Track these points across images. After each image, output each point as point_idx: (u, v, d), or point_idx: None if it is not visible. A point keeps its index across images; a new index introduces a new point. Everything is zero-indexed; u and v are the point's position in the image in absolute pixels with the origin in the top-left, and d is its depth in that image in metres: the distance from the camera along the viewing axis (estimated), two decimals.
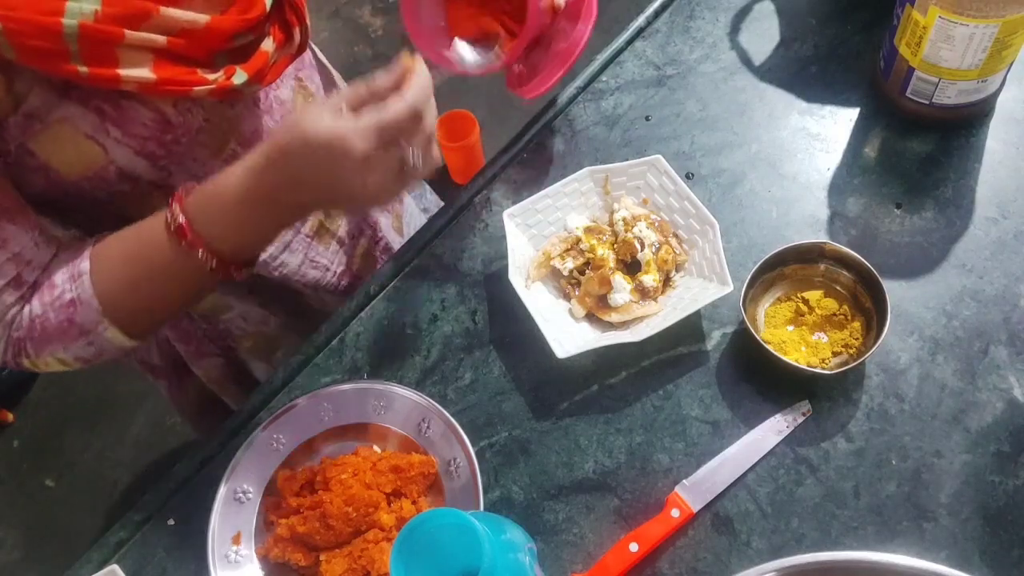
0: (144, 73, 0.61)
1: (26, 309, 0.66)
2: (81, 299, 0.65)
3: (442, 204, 1.03)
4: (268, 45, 0.69)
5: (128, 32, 0.59)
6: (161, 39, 0.61)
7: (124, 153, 0.66)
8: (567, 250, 0.79)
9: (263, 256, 0.79)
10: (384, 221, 0.97)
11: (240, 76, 0.66)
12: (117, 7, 0.58)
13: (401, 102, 0.58)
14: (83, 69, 0.59)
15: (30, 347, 0.66)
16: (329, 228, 0.88)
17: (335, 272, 0.90)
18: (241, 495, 0.72)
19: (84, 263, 0.65)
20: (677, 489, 0.68)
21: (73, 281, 0.65)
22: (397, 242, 0.98)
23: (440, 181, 1.51)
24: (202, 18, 0.63)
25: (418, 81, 0.60)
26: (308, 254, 0.86)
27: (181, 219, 0.62)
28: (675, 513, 0.66)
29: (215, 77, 0.65)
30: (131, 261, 0.65)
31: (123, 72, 0.60)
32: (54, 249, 0.67)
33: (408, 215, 1.04)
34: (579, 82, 0.93)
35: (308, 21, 0.74)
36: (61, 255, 0.67)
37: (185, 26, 0.62)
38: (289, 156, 0.59)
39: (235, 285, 0.85)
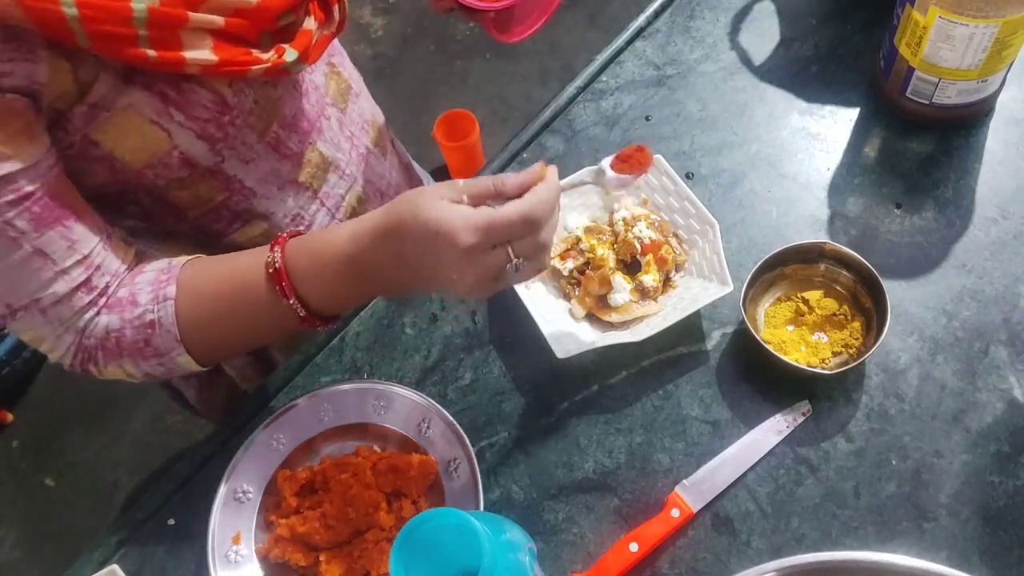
0: (206, 55, 0.62)
1: (103, 319, 0.66)
2: (162, 323, 0.65)
3: None
4: (311, 24, 0.70)
5: (191, 14, 0.60)
6: (219, 20, 0.62)
7: (186, 137, 0.67)
8: (567, 250, 0.79)
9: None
10: None
11: (291, 54, 0.67)
12: None
13: (519, 206, 0.56)
14: (151, 53, 0.59)
15: (101, 357, 0.66)
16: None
17: None
18: (241, 495, 0.72)
19: (171, 288, 0.65)
20: (677, 489, 0.68)
21: (157, 303, 0.65)
22: None
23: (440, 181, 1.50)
24: None
25: (544, 189, 0.58)
26: None
27: (279, 263, 0.62)
28: (675, 513, 0.66)
29: (268, 56, 0.66)
30: (220, 297, 0.66)
31: (188, 55, 0.61)
32: (123, 255, 0.67)
33: None
34: (579, 82, 0.93)
35: (345, 3, 0.76)
36: (147, 270, 0.67)
37: (239, 5, 0.63)
38: (399, 235, 0.58)
39: None
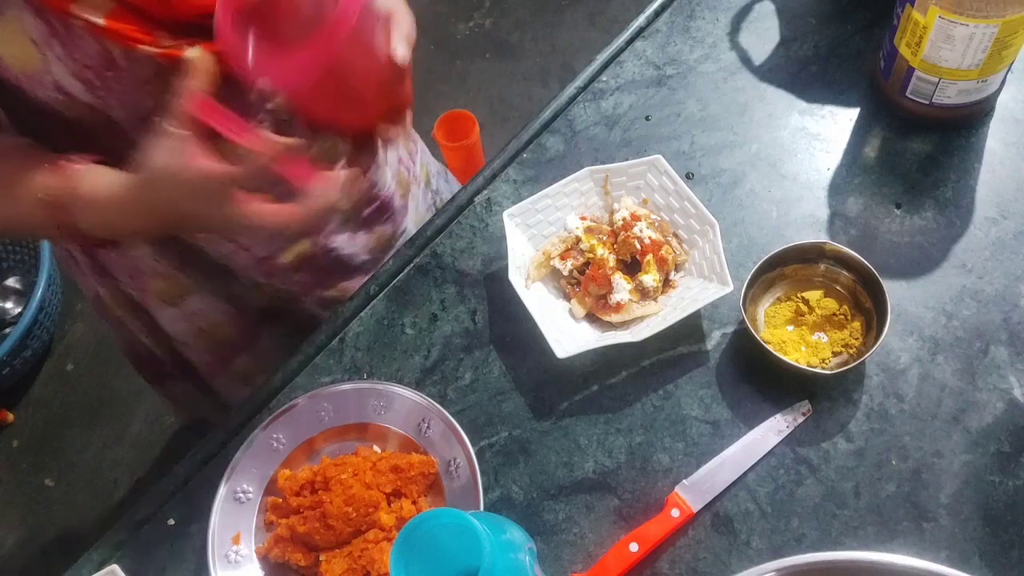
0: (95, 18, 0.61)
1: None
2: None
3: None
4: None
5: None
6: None
7: (60, 69, 0.66)
8: (567, 250, 0.79)
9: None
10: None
11: (193, 52, 0.64)
12: None
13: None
14: None
15: None
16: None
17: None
18: (241, 495, 0.72)
19: None
20: (677, 489, 0.68)
21: None
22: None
23: None
24: None
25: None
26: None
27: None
28: (675, 513, 0.66)
29: (167, 44, 0.64)
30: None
31: (74, 8, 0.60)
32: None
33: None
34: (579, 82, 0.93)
35: None
36: None
37: None
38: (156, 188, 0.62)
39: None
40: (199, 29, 0.66)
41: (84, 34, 0.64)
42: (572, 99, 0.92)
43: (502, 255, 0.80)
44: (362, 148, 0.86)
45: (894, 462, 0.68)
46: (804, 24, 0.93)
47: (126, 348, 1.06)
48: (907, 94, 0.81)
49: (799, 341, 0.73)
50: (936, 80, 0.78)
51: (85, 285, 0.97)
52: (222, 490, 0.71)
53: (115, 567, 0.71)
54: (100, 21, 0.61)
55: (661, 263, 0.76)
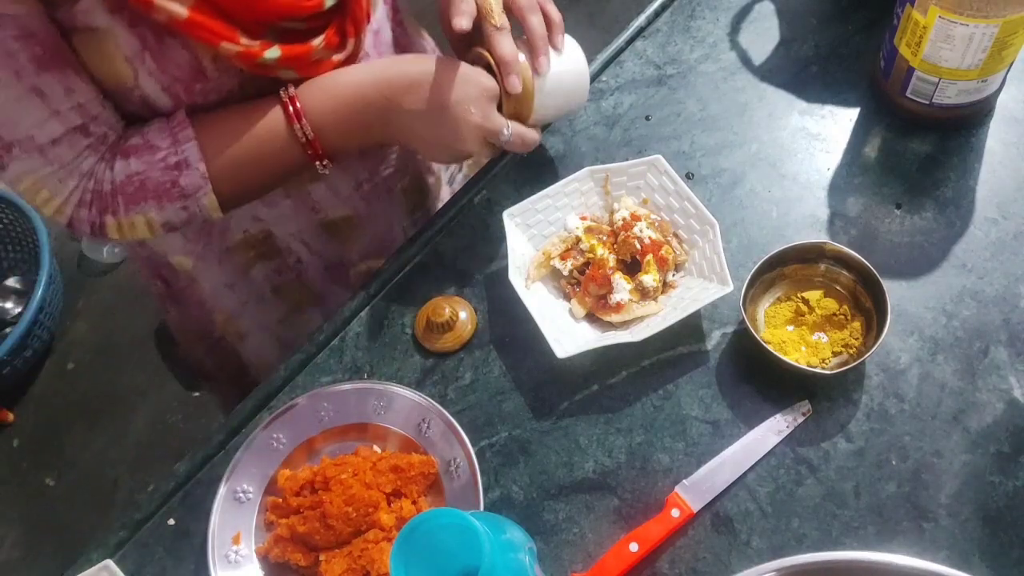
0: (178, 8, 0.62)
1: (119, 164, 0.68)
2: (188, 162, 0.68)
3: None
4: (317, 42, 0.71)
5: None
6: None
7: (152, 84, 0.68)
8: (567, 250, 0.79)
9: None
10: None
11: (273, 52, 0.67)
12: None
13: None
14: None
15: (122, 203, 0.68)
16: None
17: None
18: (241, 495, 0.72)
19: (188, 131, 0.68)
20: (677, 489, 0.68)
21: (178, 144, 0.68)
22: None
23: None
24: None
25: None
26: None
27: (293, 92, 0.71)
28: (675, 513, 0.66)
29: (247, 43, 0.66)
30: (236, 133, 0.70)
31: (158, 1, 0.61)
32: (117, 116, 0.70)
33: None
34: None
35: (364, 37, 0.76)
36: (149, 125, 0.70)
37: None
38: (423, 85, 0.72)
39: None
40: (279, 31, 0.69)
41: (177, 45, 0.66)
42: None
43: (502, 255, 0.80)
44: None
45: (894, 462, 0.68)
46: (804, 24, 0.93)
47: (191, 359, 1.10)
48: (907, 94, 0.81)
49: (799, 341, 0.73)
50: (936, 80, 0.78)
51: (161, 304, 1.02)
52: (222, 490, 0.71)
53: (108, 562, 0.71)
54: (183, 13, 0.63)
55: (661, 263, 0.76)
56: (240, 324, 0.96)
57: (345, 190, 0.87)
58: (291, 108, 0.71)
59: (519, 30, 0.76)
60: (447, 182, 1.05)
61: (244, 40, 0.66)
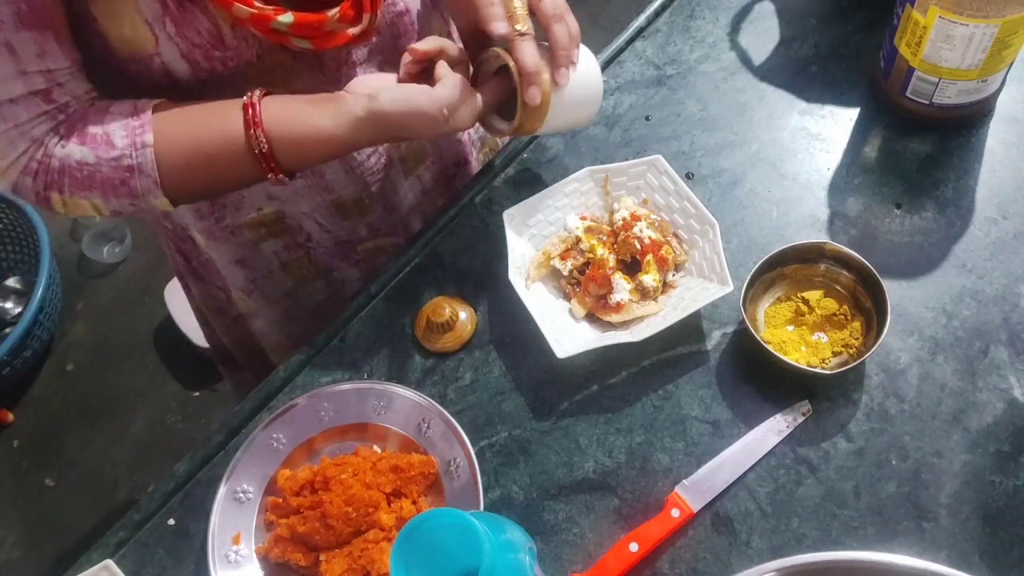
0: None
1: (73, 148, 0.67)
2: (142, 169, 0.68)
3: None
4: (333, 12, 0.71)
5: None
6: None
7: (171, 51, 0.69)
8: (567, 250, 0.79)
9: None
10: None
11: (286, 17, 0.67)
12: None
13: (453, 78, 0.71)
14: None
15: (67, 184, 0.68)
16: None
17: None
18: (241, 495, 0.72)
19: (148, 135, 0.68)
20: (677, 489, 0.68)
21: (135, 149, 0.68)
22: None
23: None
24: None
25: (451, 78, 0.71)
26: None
27: (264, 145, 0.69)
28: (675, 513, 0.66)
29: (261, 6, 0.66)
30: (196, 144, 0.69)
31: None
32: (86, 88, 0.69)
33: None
34: None
35: (380, 15, 0.76)
36: (115, 109, 0.69)
37: None
38: (381, 121, 0.70)
39: None
40: (297, 2, 0.69)
41: (196, 11, 0.67)
42: None
43: (502, 255, 0.80)
44: None
45: (894, 462, 0.68)
46: (804, 24, 0.93)
47: (210, 339, 1.13)
48: (907, 94, 0.81)
49: (799, 341, 0.73)
50: (936, 80, 0.78)
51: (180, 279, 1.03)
52: (222, 490, 0.71)
53: (109, 562, 0.71)
54: None
55: (661, 263, 0.76)
56: (250, 303, 0.97)
57: (359, 170, 0.87)
58: (250, 111, 0.69)
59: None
60: (475, 151, 1.04)
61: (258, 3, 0.66)
